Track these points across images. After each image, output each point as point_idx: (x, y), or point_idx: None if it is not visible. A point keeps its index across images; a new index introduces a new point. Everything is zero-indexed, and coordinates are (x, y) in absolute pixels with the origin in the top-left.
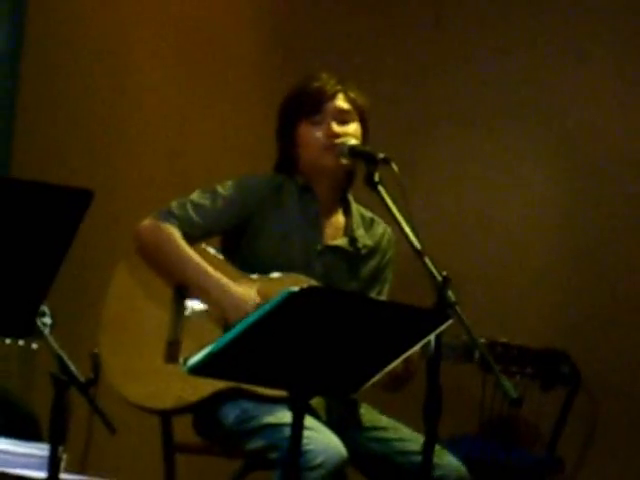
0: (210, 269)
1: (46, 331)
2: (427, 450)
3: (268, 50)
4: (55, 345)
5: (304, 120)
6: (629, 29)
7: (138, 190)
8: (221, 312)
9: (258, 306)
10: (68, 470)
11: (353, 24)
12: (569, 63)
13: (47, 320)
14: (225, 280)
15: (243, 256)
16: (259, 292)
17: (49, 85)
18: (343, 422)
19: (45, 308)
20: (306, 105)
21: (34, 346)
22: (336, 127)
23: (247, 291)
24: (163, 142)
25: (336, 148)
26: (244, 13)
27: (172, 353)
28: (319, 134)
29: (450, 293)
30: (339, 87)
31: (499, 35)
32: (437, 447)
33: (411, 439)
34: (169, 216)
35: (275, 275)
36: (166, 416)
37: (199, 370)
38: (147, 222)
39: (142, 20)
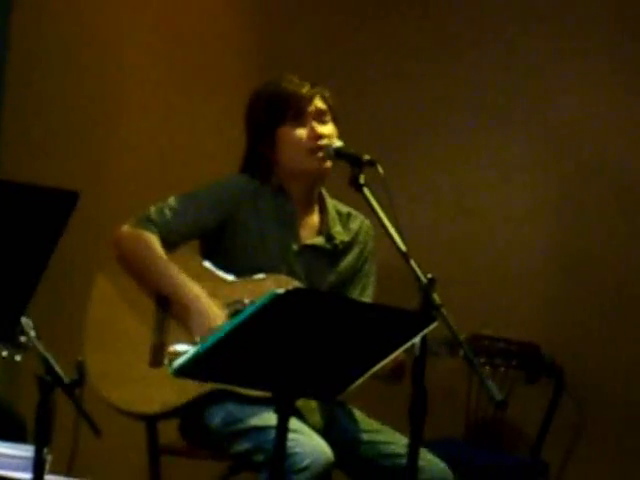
0: (186, 280)
1: (29, 344)
2: (412, 451)
3: (257, 51)
4: (40, 347)
5: (285, 123)
6: (622, 28)
7: (123, 194)
8: (188, 322)
9: (220, 325)
10: (53, 471)
11: (340, 24)
12: (560, 62)
13: (31, 333)
14: (197, 292)
15: (223, 259)
16: (254, 292)
17: (35, 86)
18: (332, 424)
19: (29, 321)
20: (288, 108)
21: (17, 358)
22: (319, 128)
23: (216, 308)
24: (149, 146)
25: (321, 150)
26: (231, 12)
27: (157, 357)
28: (303, 136)
29: (435, 295)
30: (316, 88)
31: (488, 37)
32: (422, 450)
33: (396, 442)
34: (147, 222)
35: (259, 276)
36: (152, 420)
37: (185, 372)
38: (125, 229)
39: (130, 22)
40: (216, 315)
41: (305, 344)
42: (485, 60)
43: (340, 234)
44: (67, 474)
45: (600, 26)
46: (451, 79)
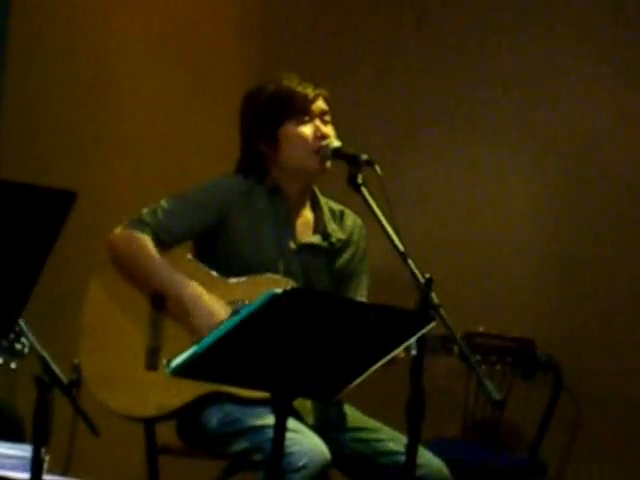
0: (184, 278)
1: (25, 352)
2: (410, 451)
3: (253, 50)
4: (38, 346)
5: (289, 121)
6: (620, 32)
7: (121, 195)
8: (190, 321)
9: (225, 320)
10: (51, 471)
11: (336, 26)
12: (555, 69)
13: (25, 341)
14: (197, 290)
15: (218, 260)
16: (251, 292)
17: (33, 87)
18: (328, 423)
19: (24, 326)
20: (294, 106)
21: (13, 365)
22: (323, 128)
23: (218, 304)
24: (147, 147)
25: (321, 150)
26: (228, 12)
27: (152, 360)
28: (308, 135)
29: (433, 295)
30: (319, 89)
31: (482, 39)
32: (419, 447)
33: (393, 439)
34: (141, 224)
35: (253, 277)
36: (149, 422)
37: (182, 371)
38: (119, 231)
39: (129, 22)
40: (219, 312)
41: (303, 344)
42: (483, 63)
43: (336, 232)
44: (64, 474)
45: (597, 31)
46: (448, 82)
